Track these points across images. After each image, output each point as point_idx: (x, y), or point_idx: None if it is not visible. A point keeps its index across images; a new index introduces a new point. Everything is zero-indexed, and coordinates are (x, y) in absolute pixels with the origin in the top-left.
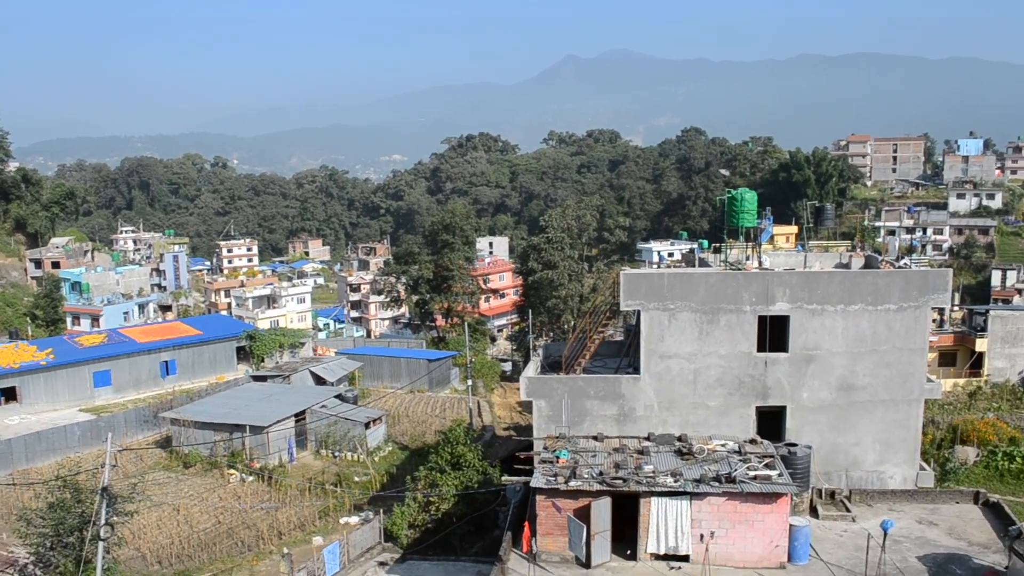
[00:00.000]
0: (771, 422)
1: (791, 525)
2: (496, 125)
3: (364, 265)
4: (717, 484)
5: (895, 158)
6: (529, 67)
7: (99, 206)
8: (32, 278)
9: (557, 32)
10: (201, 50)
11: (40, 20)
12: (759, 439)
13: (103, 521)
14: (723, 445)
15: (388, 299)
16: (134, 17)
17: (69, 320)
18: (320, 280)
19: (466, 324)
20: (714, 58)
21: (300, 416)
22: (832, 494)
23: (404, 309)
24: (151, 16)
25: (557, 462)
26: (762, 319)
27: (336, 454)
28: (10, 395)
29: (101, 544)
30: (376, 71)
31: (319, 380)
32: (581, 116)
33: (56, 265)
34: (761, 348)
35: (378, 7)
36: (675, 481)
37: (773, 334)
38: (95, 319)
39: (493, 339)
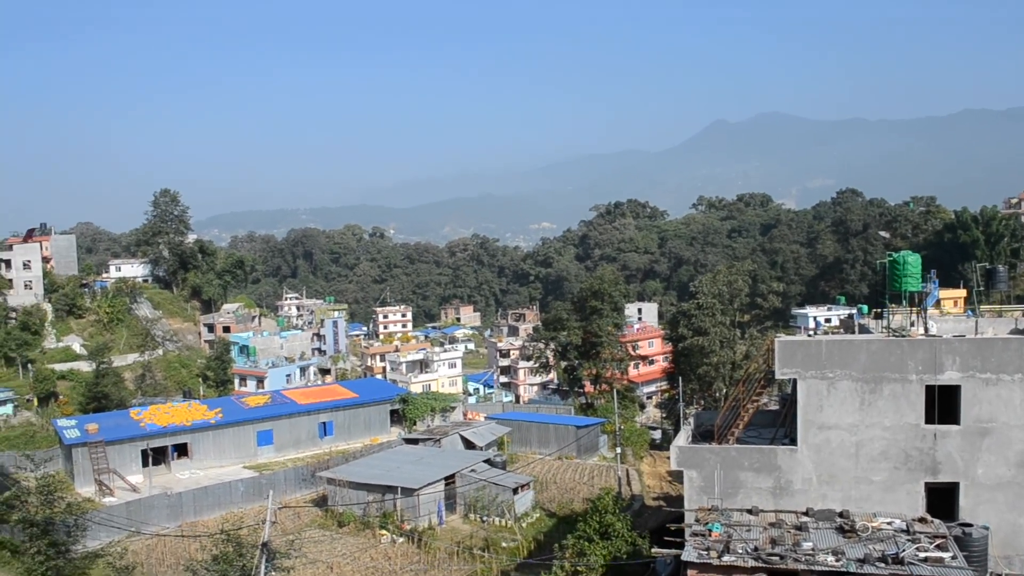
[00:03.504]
0: (942, 500)
1: None
2: (644, 192)
3: (514, 331)
4: (883, 565)
5: None
6: (677, 134)
7: (266, 274)
8: (205, 341)
9: (705, 97)
10: (363, 127)
11: (218, 107)
12: (929, 518)
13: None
14: (889, 523)
15: (537, 365)
16: (304, 101)
17: (237, 381)
18: (471, 345)
19: (615, 391)
20: (870, 117)
21: (450, 479)
22: None
23: (553, 375)
24: (321, 102)
25: (709, 535)
26: (930, 389)
27: (484, 519)
28: (183, 451)
29: None
30: (526, 142)
31: (469, 444)
32: (731, 181)
33: (227, 329)
34: (929, 420)
35: (526, 81)
36: (837, 560)
37: (942, 405)
38: (260, 381)
39: (642, 406)
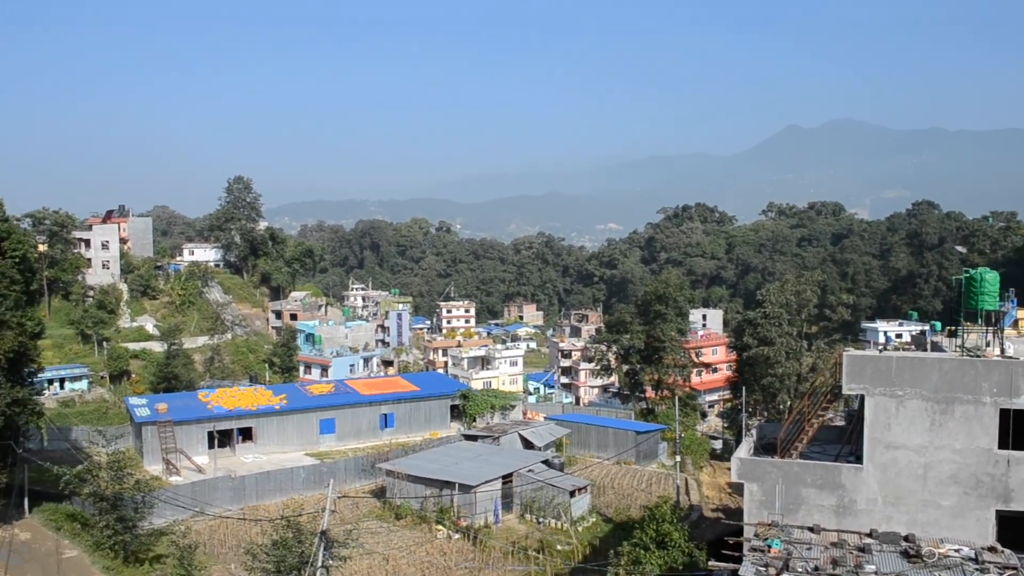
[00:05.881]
0: (1015, 530)
1: None
2: (711, 195)
3: (576, 332)
4: None
5: None
6: (747, 138)
7: (334, 264)
8: (272, 328)
9: (778, 102)
10: (432, 120)
11: (292, 98)
12: (1000, 548)
13: (319, 563)
14: (957, 551)
15: (598, 367)
16: (376, 93)
17: (301, 369)
18: (533, 344)
19: (676, 397)
20: (950, 127)
21: (507, 478)
22: None
23: (614, 378)
24: (390, 92)
25: (768, 552)
26: (1004, 412)
27: (540, 520)
28: (247, 435)
29: None
30: (594, 141)
31: (527, 444)
32: (801, 188)
33: (294, 317)
34: (1003, 445)
35: (596, 79)
36: None
37: (1017, 430)
38: (324, 369)
39: (704, 415)
